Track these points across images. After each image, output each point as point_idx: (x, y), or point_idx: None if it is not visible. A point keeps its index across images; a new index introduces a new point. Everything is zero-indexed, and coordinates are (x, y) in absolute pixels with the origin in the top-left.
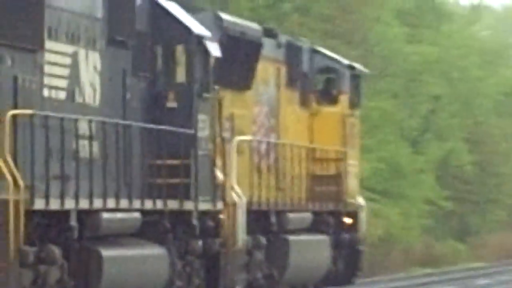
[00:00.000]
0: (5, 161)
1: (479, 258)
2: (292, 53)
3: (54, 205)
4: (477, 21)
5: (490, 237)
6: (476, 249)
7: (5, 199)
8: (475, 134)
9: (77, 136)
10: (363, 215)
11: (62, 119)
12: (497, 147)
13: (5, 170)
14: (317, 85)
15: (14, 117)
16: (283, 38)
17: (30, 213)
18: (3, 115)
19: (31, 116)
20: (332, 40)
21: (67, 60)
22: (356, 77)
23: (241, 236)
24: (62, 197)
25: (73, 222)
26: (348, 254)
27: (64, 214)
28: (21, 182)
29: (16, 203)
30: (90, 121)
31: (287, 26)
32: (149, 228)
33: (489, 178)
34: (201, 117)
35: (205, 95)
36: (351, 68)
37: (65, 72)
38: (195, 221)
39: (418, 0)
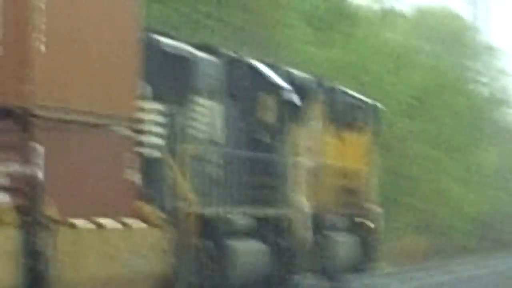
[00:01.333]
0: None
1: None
2: (331, 95)
3: (210, 212)
4: (389, 26)
5: (398, 241)
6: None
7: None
8: (386, 138)
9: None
10: (380, 220)
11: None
12: (408, 150)
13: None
14: (347, 119)
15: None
16: (325, 84)
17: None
18: None
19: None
20: (246, 47)
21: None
22: (377, 112)
23: (307, 235)
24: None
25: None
26: (370, 249)
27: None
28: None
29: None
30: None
31: (201, 34)
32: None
33: (401, 182)
34: (286, 148)
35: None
36: (373, 105)
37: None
38: (282, 224)
39: (328, 4)
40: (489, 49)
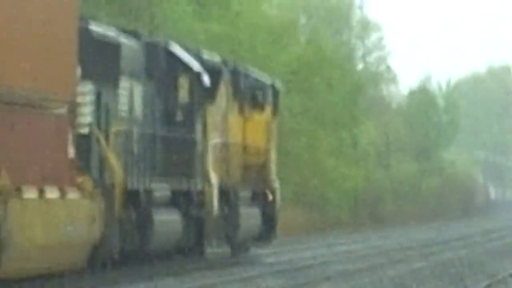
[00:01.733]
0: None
1: None
2: (235, 76)
3: (134, 185)
4: (266, 0)
5: None
6: None
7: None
8: None
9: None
10: (278, 193)
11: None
12: (285, 124)
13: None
14: (248, 98)
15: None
16: (230, 65)
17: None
18: None
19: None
20: (120, 18)
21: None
22: (276, 92)
23: (215, 207)
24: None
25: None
26: (270, 220)
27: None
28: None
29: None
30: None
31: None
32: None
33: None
34: (198, 126)
35: (201, 111)
36: (273, 85)
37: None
38: (195, 197)
39: None
40: (366, 23)
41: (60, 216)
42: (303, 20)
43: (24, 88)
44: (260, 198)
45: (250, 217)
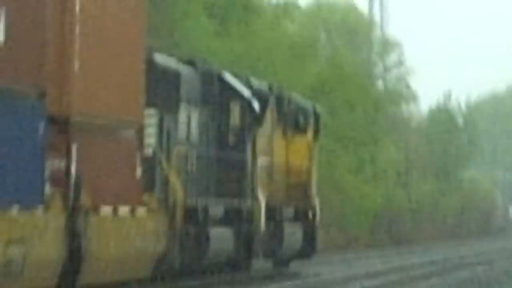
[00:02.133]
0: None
1: None
2: (279, 101)
3: (192, 203)
4: (287, 18)
5: None
6: None
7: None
8: None
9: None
10: (318, 211)
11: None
12: None
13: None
14: (291, 122)
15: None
16: (275, 91)
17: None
18: None
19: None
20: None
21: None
22: (317, 116)
23: (263, 224)
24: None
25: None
26: (311, 236)
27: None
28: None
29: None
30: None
31: None
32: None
33: None
34: (248, 149)
35: (250, 134)
36: (314, 110)
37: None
38: (244, 214)
39: None
40: (385, 41)
41: (130, 231)
42: (323, 37)
43: (102, 115)
44: (301, 215)
45: (293, 233)
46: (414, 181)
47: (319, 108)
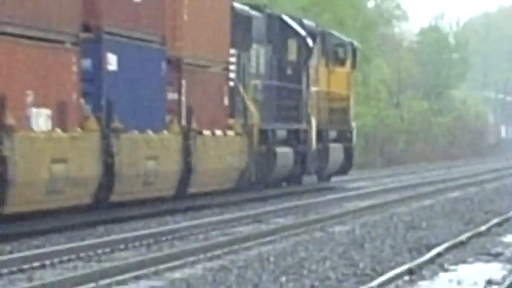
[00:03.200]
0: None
1: None
2: (323, 37)
3: (264, 126)
4: None
5: None
6: None
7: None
8: None
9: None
10: (355, 133)
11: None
12: None
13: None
14: (332, 54)
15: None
16: (320, 28)
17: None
18: None
19: None
20: None
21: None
22: (354, 49)
23: (314, 144)
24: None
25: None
26: (349, 155)
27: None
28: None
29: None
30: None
31: None
32: (287, 139)
33: None
34: (303, 79)
35: (305, 66)
36: (352, 44)
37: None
38: (301, 136)
39: None
40: None
41: (224, 151)
42: None
43: (202, 56)
44: (342, 136)
45: (336, 152)
46: (406, 101)
47: (356, 43)
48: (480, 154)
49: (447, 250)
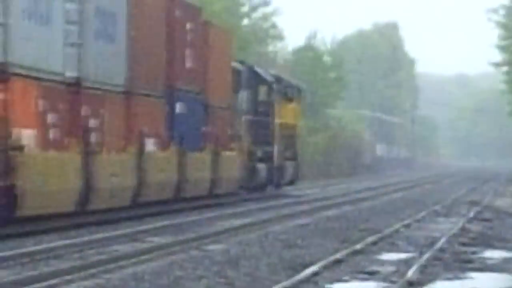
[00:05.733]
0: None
1: None
2: (278, 81)
3: (251, 148)
4: None
5: None
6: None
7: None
8: None
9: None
10: (298, 154)
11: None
12: None
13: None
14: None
15: None
16: (277, 76)
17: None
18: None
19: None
20: None
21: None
22: (299, 90)
23: (276, 161)
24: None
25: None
26: (295, 171)
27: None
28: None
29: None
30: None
31: None
32: (262, 157)
33: None
34: (271, 114)
35: (271, 104)
36: (297, 86)
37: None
38: (271, 155)
39: None
40: None
41: (231, 165)
42: None
43: (219, 100)
44: (293, 156)
45: (289, 168)
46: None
47: (302, 85)
48: (356, 173)
49: (323, 268)
